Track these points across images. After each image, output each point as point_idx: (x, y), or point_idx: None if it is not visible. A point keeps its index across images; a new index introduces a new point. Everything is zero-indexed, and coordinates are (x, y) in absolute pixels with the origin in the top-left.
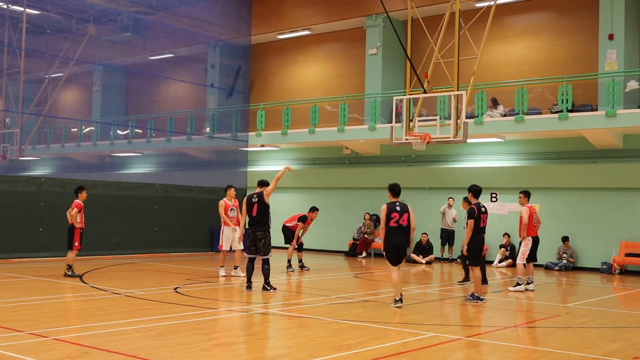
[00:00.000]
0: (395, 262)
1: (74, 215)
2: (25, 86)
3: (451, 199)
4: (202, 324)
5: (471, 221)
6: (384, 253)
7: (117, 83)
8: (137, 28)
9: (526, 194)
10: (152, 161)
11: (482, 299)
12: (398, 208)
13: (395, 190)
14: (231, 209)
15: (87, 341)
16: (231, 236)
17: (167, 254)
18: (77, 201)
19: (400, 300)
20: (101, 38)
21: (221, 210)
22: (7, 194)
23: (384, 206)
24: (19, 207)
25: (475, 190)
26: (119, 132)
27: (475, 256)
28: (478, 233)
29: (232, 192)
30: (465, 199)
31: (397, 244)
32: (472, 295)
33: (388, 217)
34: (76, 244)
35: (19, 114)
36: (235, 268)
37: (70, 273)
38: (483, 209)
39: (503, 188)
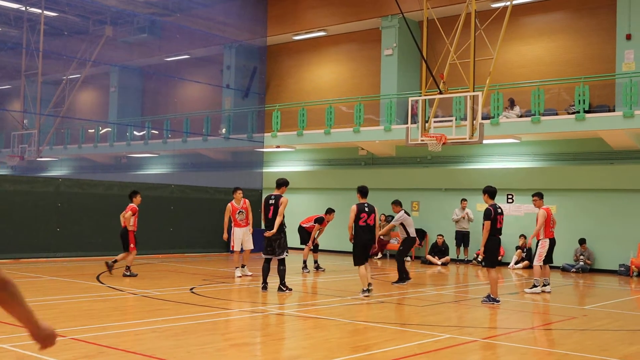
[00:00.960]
0: (360, 260)
1: (128, 218)
2: (43, 87)
3: (464, 202)
4: (218, 324)
5: (487, 222)
6: (353, 249)
7: (134, 84)
8: (154, 29)
9: (540, 196)
10: (168, 162)
11: (498, 301)
12: (366, 209)
13: (364, 191)
14: (239, 212)
15: (104, 341)
16: (242, 236)
17: (183, 255)
18: (132, 205)
19: (368, 290)
20: (118, 39)
21: (226, 215)
22: (25, 195)
23: (354, 207)
24: (36, 207)
25: (490, 192)
26: (135, 133)
27: (491, 258)
28: (495, 234)
29: (239, 194)
30: (394, 203)
31: (364, 241)
32: (488, 296)
33: (357, 217)
34: (132, 245)
35: (37, 115)
36: (243, 267)
37: (129, 273)
38: (499, 210)
39: (519, 189)
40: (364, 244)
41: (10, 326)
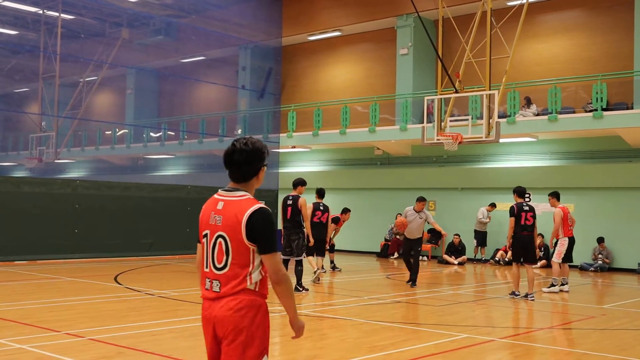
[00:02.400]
0: (311, 251)
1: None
2: (60, 90)
3: (493, 207)
4: None
5: (511, 219)
6: (309, 243)
7: (150, 86)
8: (169, 31)
9: (555, 195)
10: (185, 163)
11: (517, 294)
12: (322, 208)
13: (321, 193)
14: None
15: (122, 341)
16: None
17: None
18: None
19: (318, 278)
20: (134, 42)
21: None
22: (43, 196)
23: (310, 205)
24: (54, 209)
25: (517, 191)
26: (151, 134)
27: (515, 254)
28: (521, 231)
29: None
30: (418, 199)
31: (318, 235)
32: (512, 292)
33: (312, 214)
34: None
35: (55, 118)
36: None
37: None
38: (525, 208)
39: (536, 188)
40: (318, 237)
41: (30, 327)
